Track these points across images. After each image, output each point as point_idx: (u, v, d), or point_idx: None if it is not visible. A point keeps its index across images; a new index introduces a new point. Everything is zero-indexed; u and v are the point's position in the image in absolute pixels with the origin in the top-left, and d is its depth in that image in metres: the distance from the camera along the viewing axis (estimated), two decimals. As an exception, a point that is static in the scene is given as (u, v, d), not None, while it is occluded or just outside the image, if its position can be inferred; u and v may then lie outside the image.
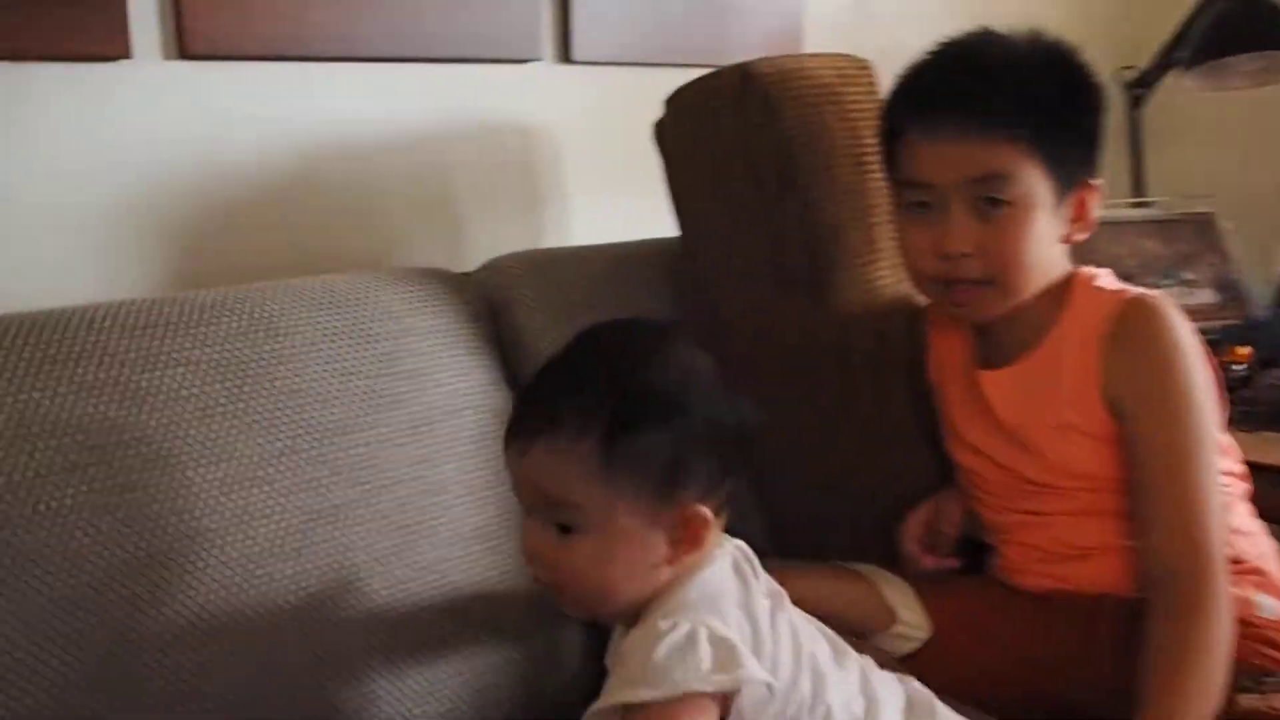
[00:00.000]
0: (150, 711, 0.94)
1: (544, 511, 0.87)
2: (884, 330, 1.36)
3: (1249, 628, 1.15)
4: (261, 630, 1.01)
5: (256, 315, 1.09)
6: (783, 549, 1.35)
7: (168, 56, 1.23)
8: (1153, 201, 2.12)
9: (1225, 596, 1.11)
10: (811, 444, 1.35)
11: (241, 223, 1.31)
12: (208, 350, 1.05)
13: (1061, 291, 1.22)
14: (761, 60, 1.33)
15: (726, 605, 0.87)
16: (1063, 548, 1.23)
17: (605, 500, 0.84)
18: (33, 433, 0.93)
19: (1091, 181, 1.20)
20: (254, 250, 1.32)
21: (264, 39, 1.29)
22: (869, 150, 1.32)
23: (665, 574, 0.87)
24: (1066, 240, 1.22)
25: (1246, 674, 1.12)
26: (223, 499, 1.01)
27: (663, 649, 0.81)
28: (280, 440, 1.05)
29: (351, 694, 1.05)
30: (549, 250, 1.37)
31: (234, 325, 1.07)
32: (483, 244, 1.47)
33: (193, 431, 1.01)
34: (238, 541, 1.01)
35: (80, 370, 0.98)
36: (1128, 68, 2.18)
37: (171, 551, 0.97)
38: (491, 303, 1.28)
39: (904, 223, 1.23)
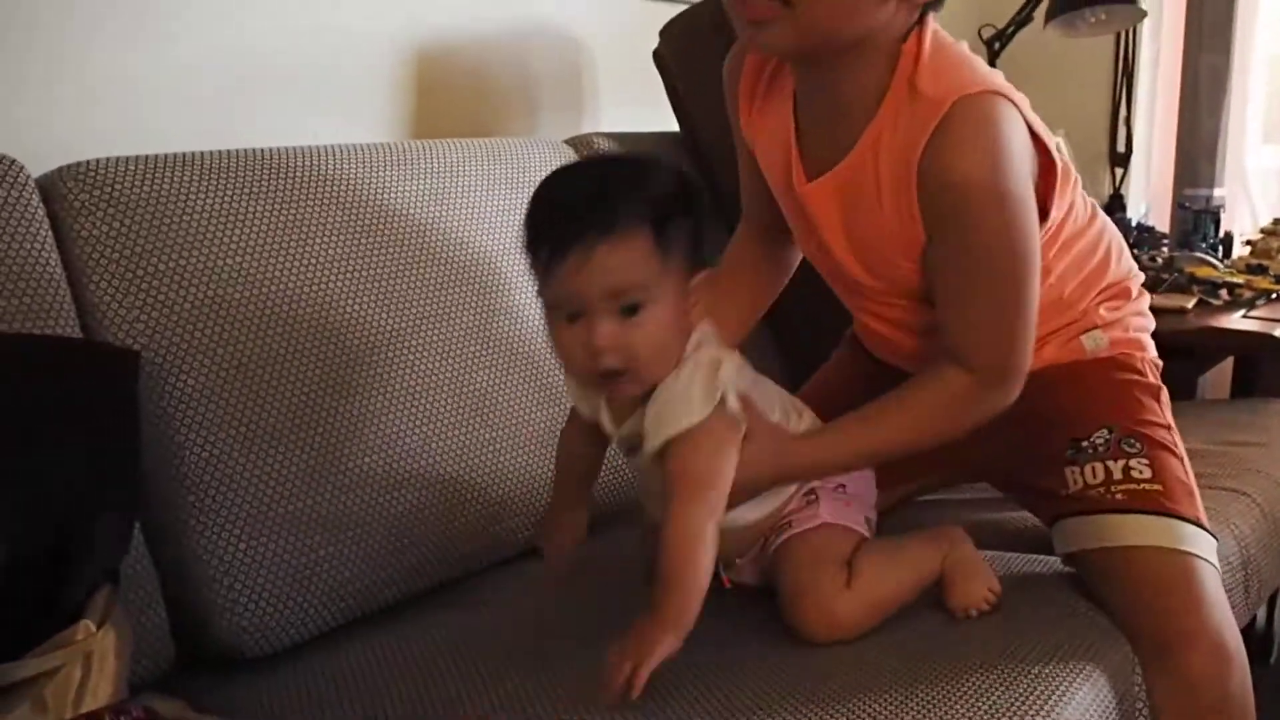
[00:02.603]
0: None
1: (608, 304, 0.99)
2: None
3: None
4: (466, 394, 1.33)
5: (446, 160, 1.40)
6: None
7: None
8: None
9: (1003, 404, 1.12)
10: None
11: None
12: (417, 182, 1.36)
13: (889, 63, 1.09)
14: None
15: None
16: (906, 335, 1.24)
17: (662, 275, 1.00)
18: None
19: None
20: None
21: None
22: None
23: (686, 337, 1.04)
24: None
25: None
26: (437, 295, 1.34)
27: (697, 383, 1.02)
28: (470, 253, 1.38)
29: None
30: (616, 132, 1.73)
31: (433, 165, 1.39)
32: (549, 127, 1.85)
33: (412, 242, 1.33)
34: (447, 327, 1.33)
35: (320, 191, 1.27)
36: (987, 25, 2.69)
37: (407, 330, 1.29)
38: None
39: None
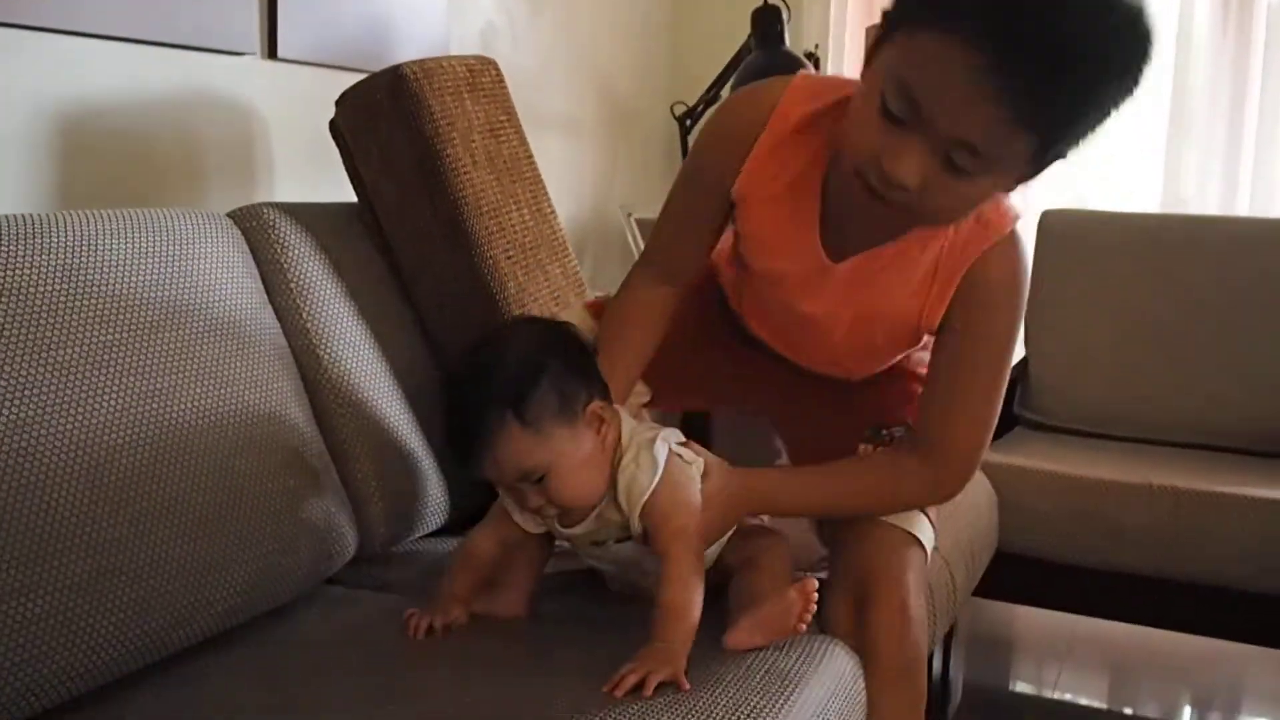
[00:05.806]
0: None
1: (521, 479, 1.24)
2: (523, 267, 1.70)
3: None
4: (106, 483, 1.22)
5: (84, 233, 1.29)
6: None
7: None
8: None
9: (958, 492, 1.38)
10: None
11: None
12: (47, 257, 1.25)
13: None
14: (408, 62, 1.63)
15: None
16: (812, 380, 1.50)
17: (543, 444, 1.22)
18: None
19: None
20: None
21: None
22: (503, 123, 1.70)
23: (606, 459, 1.27)
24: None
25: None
26: (72, 380, 1.22)
27: (642, 460, 1.26)
28: (112, 334, 1.28)
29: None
30: (287, 203, 1.64)
31: (67, 239, 1.27)
32: (217, 199, 1.74)
33: (42, 323, 1.21)
34: (84, 414, 1.22)
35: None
36: (679, 103, 2.77)
37: (35, 419, 1.17)
38: (251, 238, 1.54)
39: (869, 115, 1.12)
